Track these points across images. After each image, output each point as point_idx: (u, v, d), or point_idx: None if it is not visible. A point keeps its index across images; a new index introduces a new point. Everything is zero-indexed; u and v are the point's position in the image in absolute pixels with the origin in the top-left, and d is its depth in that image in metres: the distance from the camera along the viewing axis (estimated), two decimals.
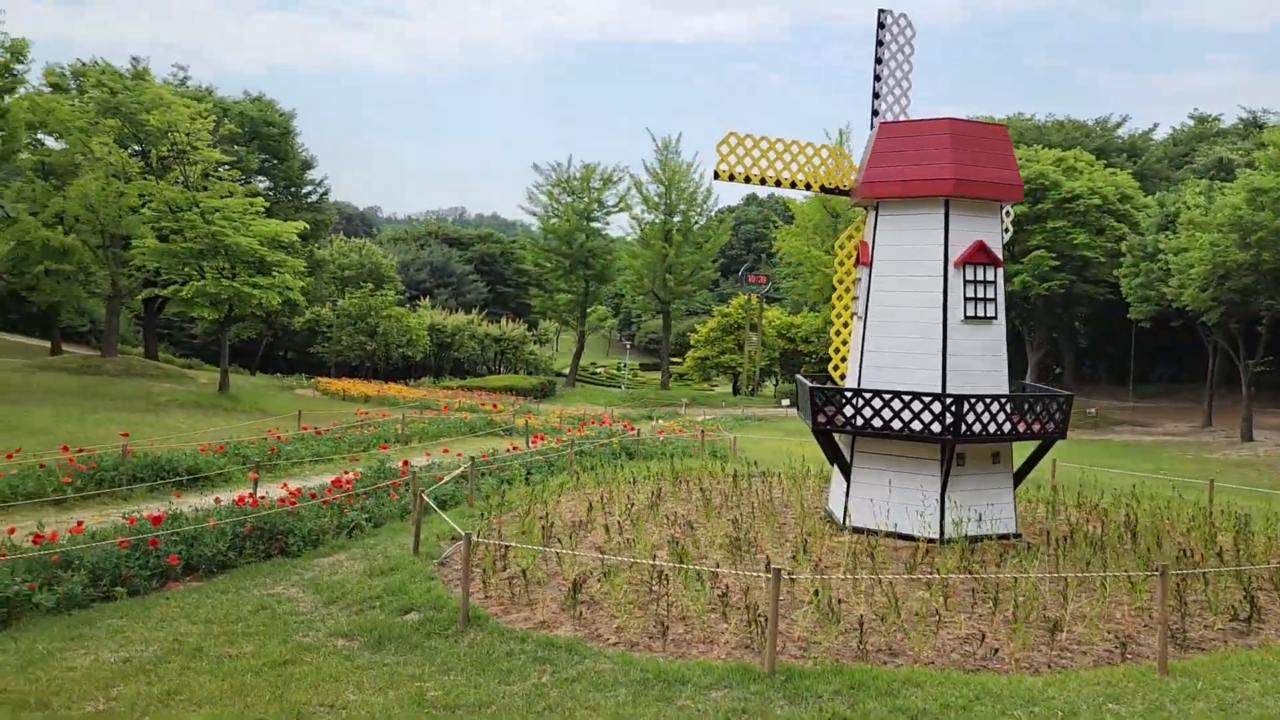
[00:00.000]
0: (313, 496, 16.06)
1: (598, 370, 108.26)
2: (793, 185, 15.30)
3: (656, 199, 70.36)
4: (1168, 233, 44.37)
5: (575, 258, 73.86)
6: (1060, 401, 13.98)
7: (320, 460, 22.46)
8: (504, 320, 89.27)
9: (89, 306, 62.13)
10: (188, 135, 36.03)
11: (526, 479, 19.89)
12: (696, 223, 71.13)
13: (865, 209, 15.38)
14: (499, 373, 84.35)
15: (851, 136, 65.68)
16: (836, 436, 15.05)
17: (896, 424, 13.45)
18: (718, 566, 11.40)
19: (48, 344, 57.85)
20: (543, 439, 24.52)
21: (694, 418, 49.88)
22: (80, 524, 13.25)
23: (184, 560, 13.23)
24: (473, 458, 18.53)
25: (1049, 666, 9.18)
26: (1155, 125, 74.45)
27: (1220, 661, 9.56)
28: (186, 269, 36.15)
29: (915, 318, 13.94)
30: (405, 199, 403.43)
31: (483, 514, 15.07)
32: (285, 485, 17.39)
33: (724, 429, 38.77)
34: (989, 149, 13.94)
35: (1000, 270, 13.99)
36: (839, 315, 16.22)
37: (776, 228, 74.94)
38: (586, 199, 74.45)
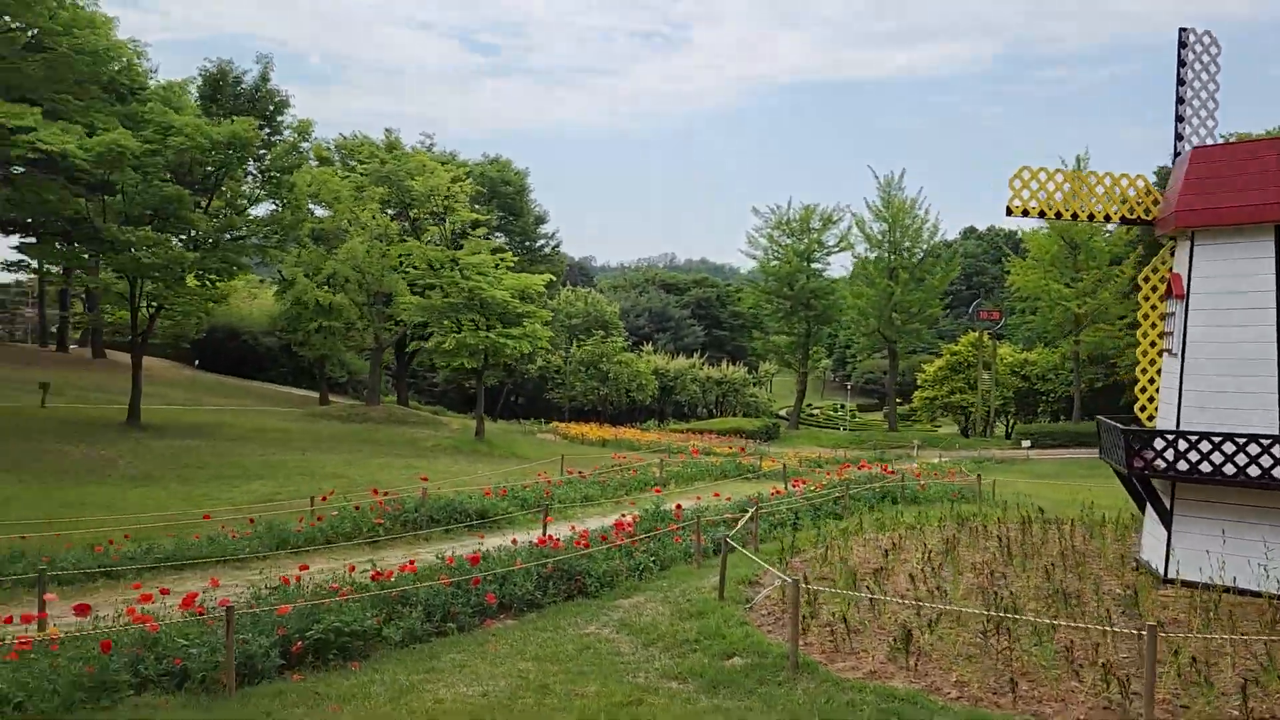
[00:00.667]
0: (603, 539, 16.62)
1: (814, 411, 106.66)
2: (1090, 218, 14.64)
3: (880, 236, 69.07)
4: None
5: (796, 299, 73.46)
6: None
7: (590, 503, 23.26)
8: (723, 363, 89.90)
9: (346, 359, 67.30)
10: (446, 198, 38.78)
11: (795, 523, 19.84)
12: (918, 257, 69.12)
13: (1175, 239, 14.48)
14: (718, 415, 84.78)
15: (1089, 161, 62.25)
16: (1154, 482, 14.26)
17: (1229, 469, 12.45)
18: (1055, 619, 10.88)
19: (315, 394, 63.13)
20: (805, 482, 24.39)
21: (928, 459, 48.20)
22: (412, 563, 14.26)
23: (499, 599, 14.01)
24: (755, 504, 18.63)
25: None
26: None
27: None
28: (446, 322, 38.69)
29: (1244, 354, 12.92)
30: (617, 248, 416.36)
31: (779, 557, 15.08)
32: (574, 527, 18.13)
33: (967, 472, 37.23)
34: None
35: None
36: (1145, 353, 15.28)
37: (1006, 260, 71.67)
38: (807, 240, 74.08)
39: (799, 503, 21.04)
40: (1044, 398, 73.79)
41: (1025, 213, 14.48)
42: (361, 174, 41.05)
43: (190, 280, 36.27)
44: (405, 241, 44.99)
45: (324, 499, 20.76)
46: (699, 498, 21.91)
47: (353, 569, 14.21)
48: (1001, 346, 74.09)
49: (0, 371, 44.94)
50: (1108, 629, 10.21)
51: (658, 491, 23.32)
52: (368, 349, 55.84)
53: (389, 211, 46.51)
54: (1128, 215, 14.65)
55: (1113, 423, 14.45)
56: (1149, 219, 14.66)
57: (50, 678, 9.05)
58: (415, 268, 39.42)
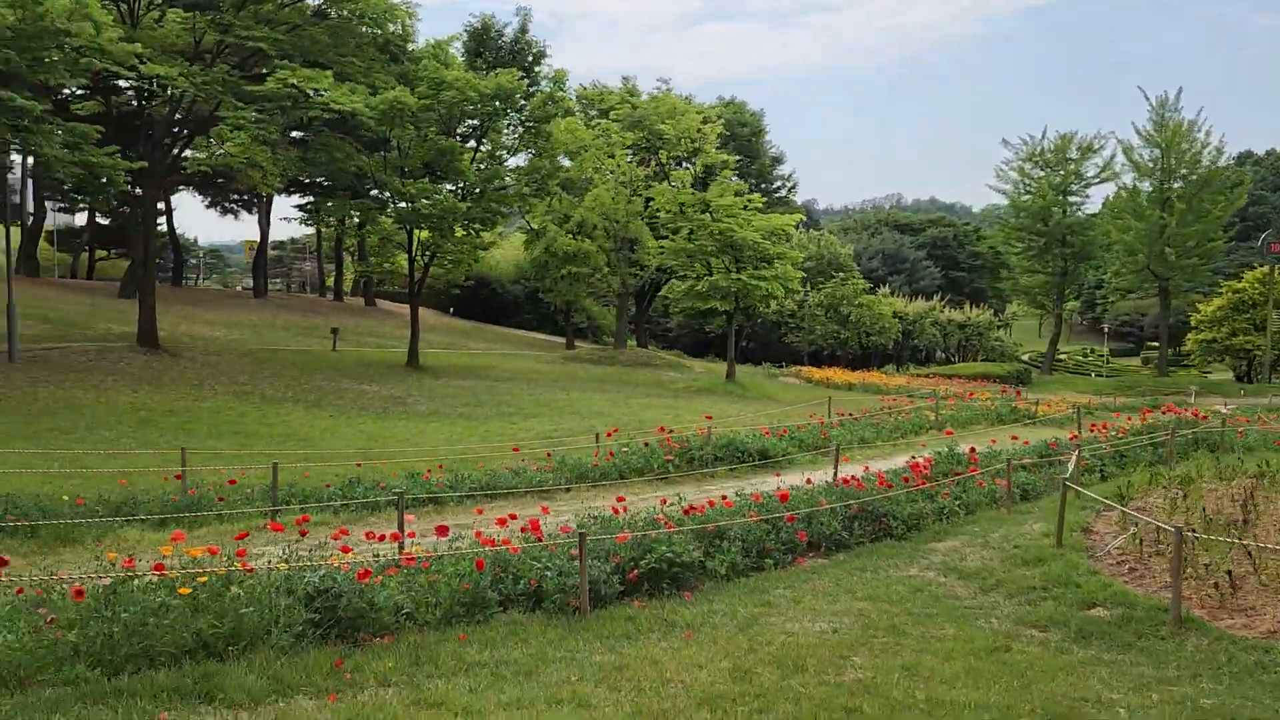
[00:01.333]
0: (904, 481, 16.03)
1: (1060, 357, 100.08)
2: None
3: (1150, 164, 63.20)
4: None
5: (1051, 235, 68.76)
6: None
7: (867, 445, 22.67)
8: (964, 306, 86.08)
9: (586, 305, 69.22)
10: (695, 140, 38.68)
11: (1102, 470, 18.47)
12: (1196, 185, 62.45)
13: None
14: (957, 360, 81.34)
15: None
16: None
17: None
18: None
19: (559, 339, 65.51)
20: (1107, 426, 22.69)
21: (1211, 407, 43.97)
22: (725, 498, 14.23)
23: (808, 537, 13.76)
24: (1055, 447, 17.46)
25: None
26: None
27: None
28: (696, 265, 38.80)
29: None
30: (842, 190, 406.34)
31: (1121, 496, 13.98)
32: (867, 468, 17.61)
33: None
34: None
35: None
36: None
37: None
38: (1063, 172, 68.94)
39: (1102, 448, 19.55)
40: None
41: None
42: (614, 119, 41.51)
43: (458, 230, 38.17)
44: (650, 186, 45.43)
45: (609, 435, 21.26)
46: (994, 440, 20.81)
47: (664, 501, 14.36)
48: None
49: (292, 319, 49.36)
50: None
51: (949, 434, 22.34)
52: (612, 294, 57.16)
53: (631, 158, 46.97)
54: None
55: None
56: None
57: (431, 591, 9.56)
58: (664, 212, 39.63)
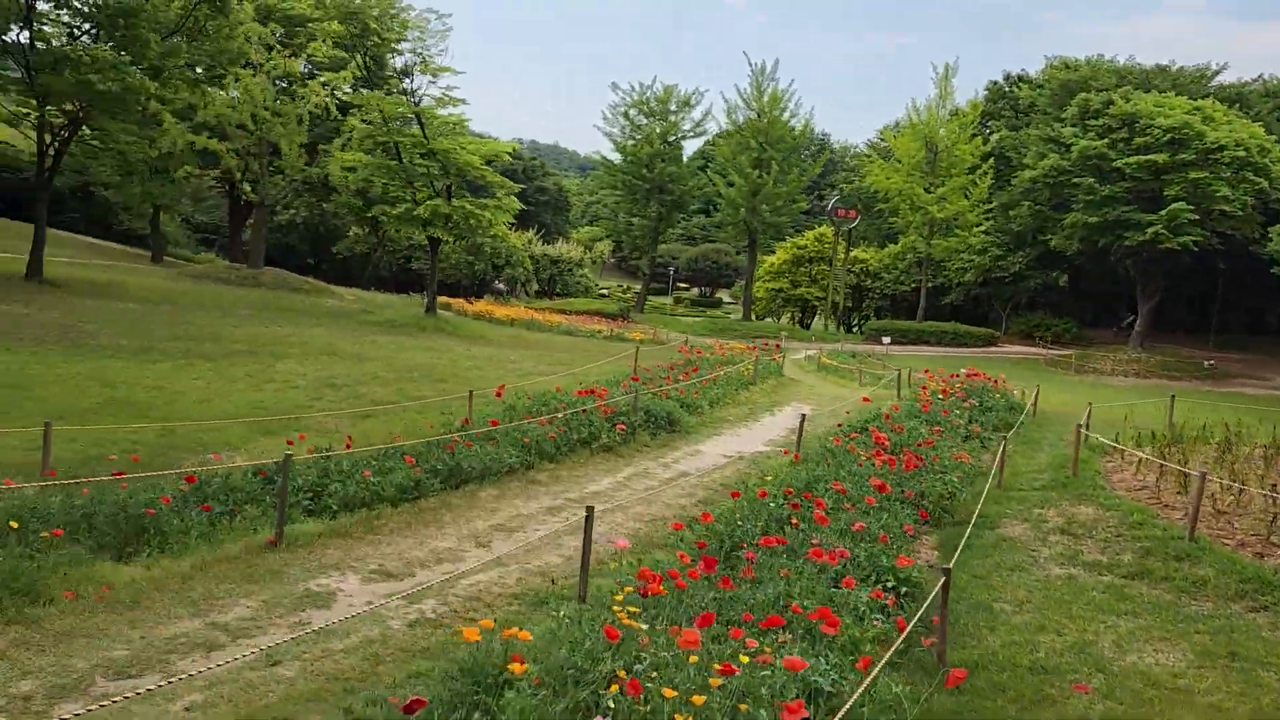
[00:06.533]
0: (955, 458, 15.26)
1: (603, 292, 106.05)
2: None
3: (748, 127, 68.62)
4: None
5: (653, 183, 71.97)
6: None
7: (722, 403, 21.54)
8: (559, 242, 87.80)
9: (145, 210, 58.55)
10: (416, 36, 33.55)
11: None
12: (786, 151, 68.97)
13: None
14: (548, 295, 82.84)
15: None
16: None
17: None
18: None
19: (119, 246, 55.28)
20: (940, 391, 23.78)
21: (799, 351, 48.64)
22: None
23: None
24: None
25: None
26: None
27: None
28: (390, 186, 34.18)
29: None
30: None
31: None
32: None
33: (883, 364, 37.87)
34: None
35: None
36: None
37: (869, 161, 73.78)
38: (664, 123, 72.26)
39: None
40: (871, 295, 77.49)
41: None
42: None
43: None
44: (305, 84, 39.33)
45: (498, 394, 17.67)
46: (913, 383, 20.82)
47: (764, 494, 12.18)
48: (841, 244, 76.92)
49: None
50: None
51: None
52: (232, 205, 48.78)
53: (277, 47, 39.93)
54: None
55: None
56: None
57: None
58: (363, 121, 33.92)
